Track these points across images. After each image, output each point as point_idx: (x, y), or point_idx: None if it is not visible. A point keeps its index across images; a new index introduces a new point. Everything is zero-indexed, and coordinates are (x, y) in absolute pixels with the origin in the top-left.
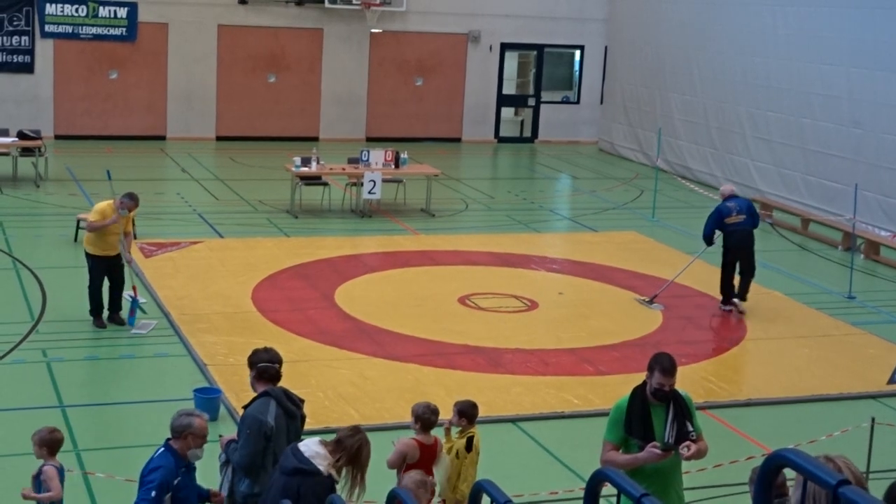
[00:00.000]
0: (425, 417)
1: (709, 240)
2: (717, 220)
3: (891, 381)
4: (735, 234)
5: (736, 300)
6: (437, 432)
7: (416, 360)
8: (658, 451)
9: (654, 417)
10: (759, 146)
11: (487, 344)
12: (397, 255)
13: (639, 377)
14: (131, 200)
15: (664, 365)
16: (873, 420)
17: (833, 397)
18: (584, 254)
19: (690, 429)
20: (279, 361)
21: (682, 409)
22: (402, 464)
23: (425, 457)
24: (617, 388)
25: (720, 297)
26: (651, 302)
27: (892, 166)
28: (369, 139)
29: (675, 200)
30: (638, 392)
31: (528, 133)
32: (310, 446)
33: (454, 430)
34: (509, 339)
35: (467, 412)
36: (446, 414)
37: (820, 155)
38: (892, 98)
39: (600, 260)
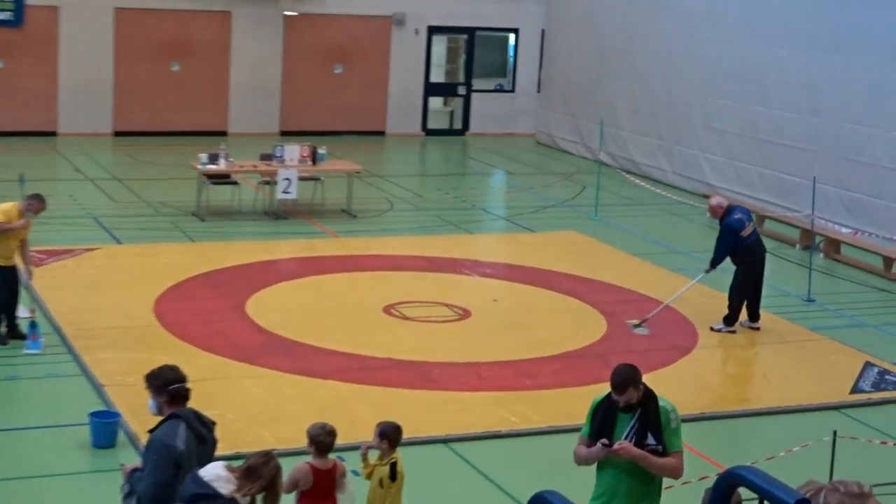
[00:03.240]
0: (320, 440)
1: (718, 263)
2: (735, 238)
3: (853, 391)
4: (753, 249)
5: (749, 323)
6: (354, 456)
7: (338, 376)
8: (601, 446)
9: (619, 422)
10: (710, 137)
11: (416, 357)
12: (316, 261)
13: (581, 391)
14: (39, 202)
15: (613, 382)
16: (835, 433)
17: (792, 409)
18: (521, 256)
19: (652, 441)
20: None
21: (649, 420)
22: (293, 490)
23: (321, 483)
24: (558, 403)
25: (723, 320)
26: (639, 325)
27: (852, 157)
28: (284, 133)
29: (620, 197)
30: (610, 394)
31: (458, 125)
32: (210, 470)
33: (372, 454)
34: (440, 352)
35: (389, 434)
36: (371, 435)
37: (775, 146)
38: (852, 84)
39: (538, 263)
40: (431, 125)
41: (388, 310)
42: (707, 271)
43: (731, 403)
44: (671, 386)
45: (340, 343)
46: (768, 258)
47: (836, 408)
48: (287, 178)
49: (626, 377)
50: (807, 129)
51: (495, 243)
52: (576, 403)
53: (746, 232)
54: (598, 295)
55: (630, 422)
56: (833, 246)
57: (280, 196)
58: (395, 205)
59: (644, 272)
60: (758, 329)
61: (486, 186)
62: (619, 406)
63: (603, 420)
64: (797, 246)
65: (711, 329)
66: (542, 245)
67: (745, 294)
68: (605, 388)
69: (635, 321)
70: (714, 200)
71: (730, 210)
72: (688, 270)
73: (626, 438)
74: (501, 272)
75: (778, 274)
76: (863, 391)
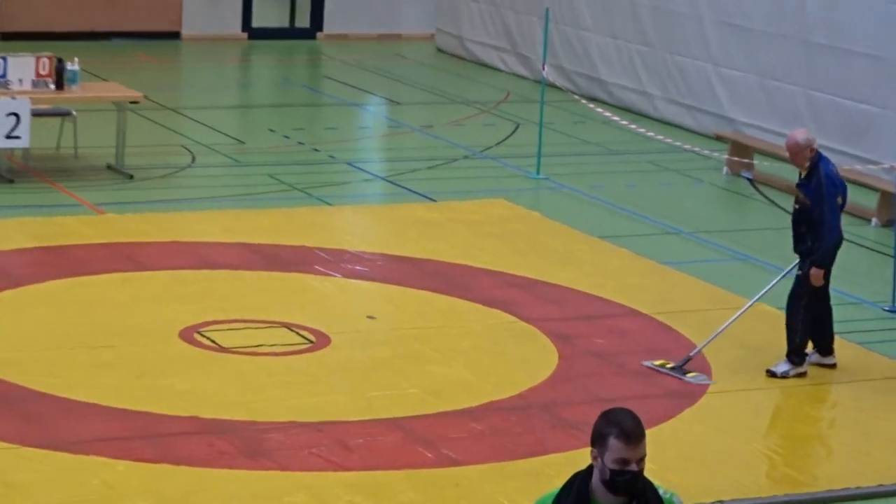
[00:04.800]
0: None
1: (836, 244)
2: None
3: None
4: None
5: (820, 358)
6: None
7: (104, 448)
8: None
9: None
10: (726, 40)
11: (238, 414)
12: (66, 254)
13: (516, 471)
14: None
15: (625, 426)
16: None
17: (867, 493)
18: (416, 243)
19: None
20: None
21: None
22: None
23: None
24: (480, 492)
25: (787, 358)
26: (682, 370)
27: None
28: (6, 37)
29: (578, 142)
30: (577, 484)
31: (303, 22)
32: None
33: None
34: (278, 405)
35: None
36: None
37: (838, 54)
38: None
39: (445, 254)
40: (258, 22)
41: (189, 335)
42: (815, 265)
43: (766, 486)
44: (671, 459)
45: (108, 392)
46: None
47: None
48: (14, 114)
49: (640, 421)
50: (891, 29)
51: (370, 221)
52: (508, 493)
53: (841, 199)
54: (542, 307)
55: None
56: None
57: (2, 144)
58: (200, 157)
59: (619, 267)
60: (833, 366)
61: (353, 125)
62: (620, 483)
63: None
64: (873, 221)
65: (770, 374)
66: (449, 223)
67: (817, 311)
68: (560, 472)
69: (669, 363)
70: (801, 135)
71: (821, 156)
72: (697, 264)
73: None
74: (382, 270)
75: (843, 269)
76: None
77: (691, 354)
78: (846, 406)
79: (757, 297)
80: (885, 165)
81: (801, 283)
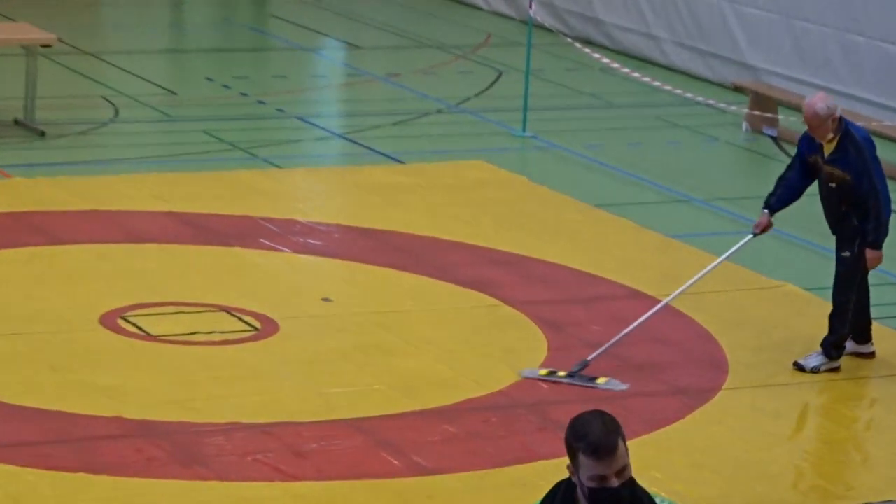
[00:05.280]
0: None
1: (888, 215)
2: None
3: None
4: None
5: (856, 347)
6: None
7: (11, 455)
8: None
9: None
10: None
11: (169, 414)
12: None
13: (500, 481)
14: None
15: (592, 439)
16: None
17: None
18: (379, 211)
19: None
20: None
21: None
22: None
23: None
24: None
25: (821, 348)
26: (586, 377)
27: None
28: None
29: (571, 93)
30: (560, 493)
31: None
32: None
33: None
34: (217, 403)
35: None
36: None
37: None
38: None
39: (414, 224)
40: None
41: (111, 321)
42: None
43: (792, 499)
44: (679, 467)
45: (14, 389)
46: None
47: None
48: None
49: (616, 429)
50: None
51: (327, 187)
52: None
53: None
54: (529, 288)
55: None
56: None
57: None
58: (124, 111)
59: (620, 241)
60: (871, 355)
61: (306, 73)
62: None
63: None
64: None
65: (798, 368)
66: (419, 190)
67: (857, 293)
68: (550, 481)
69: (561, 372)
70: (820, 103)
71: (847, 122)
72: (712, 237)
73: None
74: (339, 245)
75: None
76: None
77: (588, 359)
78: (886, 404)
79: (699, 275)
80: None
81: (852, 266)
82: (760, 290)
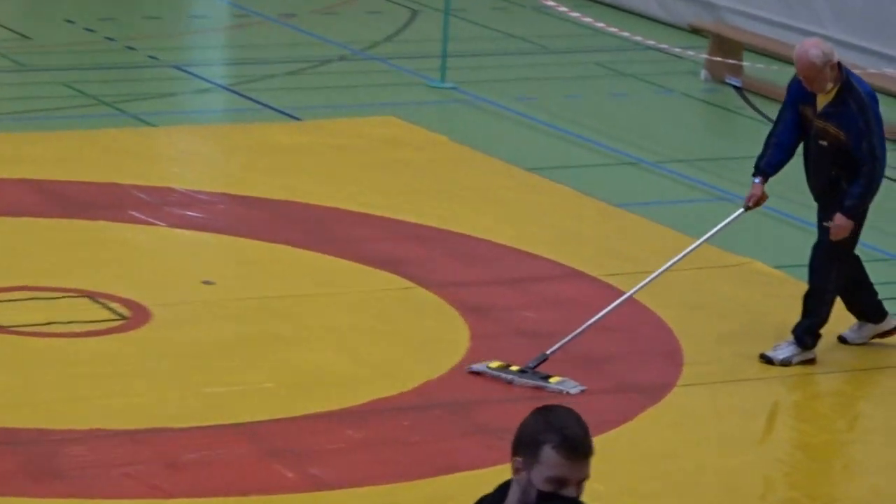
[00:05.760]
0: None
1: (879, 178)
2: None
3: None
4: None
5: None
6: None
7: None
8: None
9: None
10: None
11: (21, 419)
12: None
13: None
14: None
15: (570, 433)
16: None
17: None
18: (271, 177)
19: None
20: None
21: None
22: None
23: None
24: None
25: (793, 336)
26: (538, 374)
27: None
28: None
29: (499, 37)
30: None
31: None
32: None
33: None
34: (78, 406)
35: None
36: None
37: None
38: None
39: (312, 192)
40: None
41: None
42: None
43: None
44: (625, 477)
45: None
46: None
47: None
48: None
49: (587, 428)
50: None
51: (209, 148)
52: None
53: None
54: (449, 267)
55: None
56: None
57: None
58: None
59: (557, 211)
60: (895, 332)
61: (183, 14)
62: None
63: None
64: None
65: (765, 361)
66: (319, 151)
67: (852, 271)
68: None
69: (514, 367)
70: (814, 50)
71: (847, 71)
72: (666, 206)
73: None
74: (224, 217)
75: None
76: None
77: (548, 353)
78: (870, 401)
79: (682, 255)
80: None
81: (837, 241)
82: (722, 268)
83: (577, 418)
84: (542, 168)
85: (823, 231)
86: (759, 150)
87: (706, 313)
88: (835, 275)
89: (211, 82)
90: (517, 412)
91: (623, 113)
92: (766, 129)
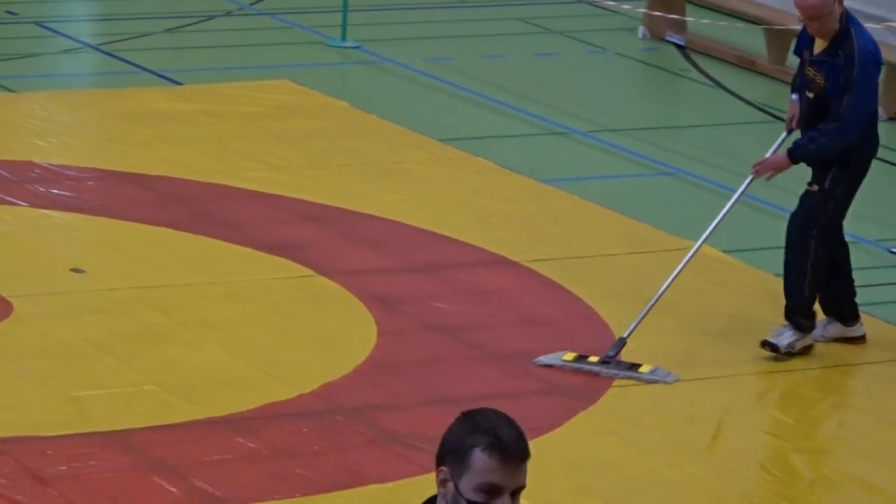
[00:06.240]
0: None
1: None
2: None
3: None
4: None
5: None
6: None
7: None
8: None
9: None
10: None
11: None
12: None
13: None
14: None
15: (502, 434)
16: None
17: None
18: (148, 150)
19: None
20: None
21: None
22: None
23: None
24: None
25: (789, 320)
26: (621, 364)
27: None
28: None
29: None
30: None
31: None
32: None
33: None
34: None
35: None
36: None
37: None
38: None
39: (195, 167)
40: None
41: None
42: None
43: None
44: (556, 489)
45: None
46: None
47: None
48: None
49: (521, 432)
50: None
51: (77, 117)
52: None
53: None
54: (353, 252)
55: None
56: None
57: None
58: None
59: (476, 188)
60: (862, 339)
61: None
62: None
63: None
64: (879, 113)
65: (769, 347)
66: (203, 120)
67: (835, 250)
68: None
69: (593, 357)
70: None
71: (851, 19)
72: (600, 182)
73: None
74: (94, 196)
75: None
76: None
77: (625, 336)
78: (828, 405)
79: (706, 234)
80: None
81: (819, 204)
82: (663, 252)
83: (509, 420)
84: (458, 139)
85: (805, 195)
86: (705, 118)
87: (645, 304)
88: (813, 248)
89: (78, 41)
90: (429, 417)
91: (550, 75)
92: (713, 93)
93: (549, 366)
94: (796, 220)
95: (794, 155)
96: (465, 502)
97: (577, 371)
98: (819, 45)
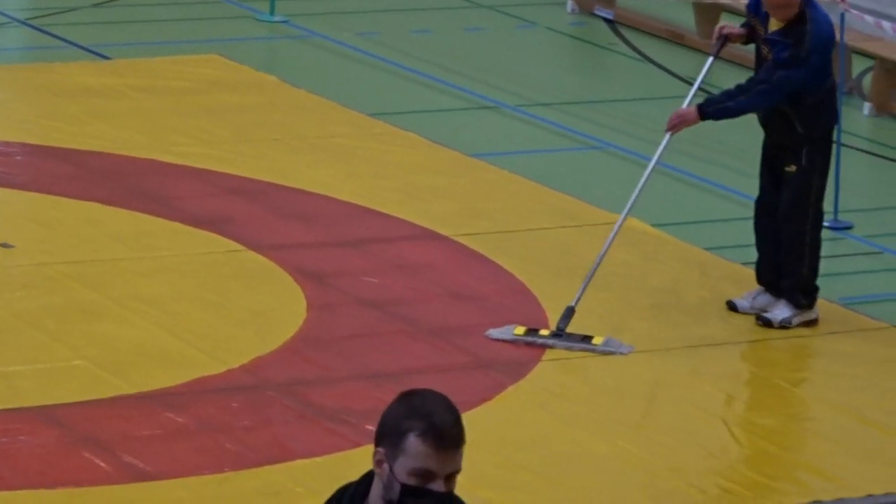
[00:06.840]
0: None
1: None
2: (825, 72)
3: None
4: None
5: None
6: None
7: None
8: None
9: None
10: None
11: None
12: None
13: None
14: None
15: (437, 419)
16: None
17: None
18: (77, 125)
19: None
20: None
21: None
22: None
23: None
24: None
25: (792, 286)
26: (572, 336)
27: None
28: None
29: None
30: (346, 499)
31: None
32: None
33: None
34: None
35: None
36: None
37: None
38: None
39: (124, 142)
40: None
41: None
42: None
43: None
44: (486, 466)
45: None
46: None
47: None
48: None
49: (457, 414)
50: None
51: (4, 91)
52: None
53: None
54: (282, 226)
55: None
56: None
57: None
58: None
59: (406, 162)
60: (815, 322)
61: None
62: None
63: None
64: (866, 108)
65: (764, 324)
66: (131, 95)
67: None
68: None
69: (544, 330)
70: None
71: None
72: (529, 156)
73: None
74: (22, 170)
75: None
76: None
77: (573, 304)
78: (758, 379)
79: (632, 198)
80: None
81: (803, 183)
82: (592, 226)
83: (448, 404)
84: (387, 113)
85: (785, 179)
86: (633, 92)
87: (574, 278)
88: (809, 229)
89: (5, 15)
90: (358, 391)
91: (479, 49)
92: (642, 67)
93: (501, 340)
94: (787, 203)
95: (707, 111)
96: (398, 485)
97: (531, 345)
98: (774, 24)
